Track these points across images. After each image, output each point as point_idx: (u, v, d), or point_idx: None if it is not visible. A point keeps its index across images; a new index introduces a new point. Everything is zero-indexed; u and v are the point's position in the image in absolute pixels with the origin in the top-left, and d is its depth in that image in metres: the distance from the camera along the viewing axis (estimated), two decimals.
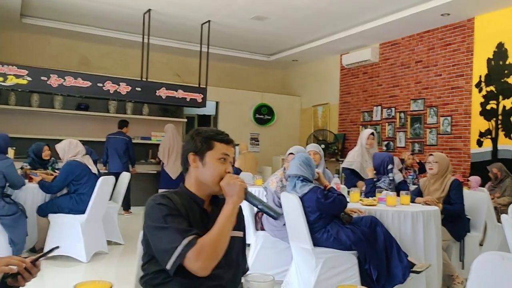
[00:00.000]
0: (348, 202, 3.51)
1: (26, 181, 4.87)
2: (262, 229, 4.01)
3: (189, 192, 1.63)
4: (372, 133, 5.05)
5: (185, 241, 1.41)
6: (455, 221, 3.96)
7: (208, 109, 9.33)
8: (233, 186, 1.54)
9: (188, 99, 7.61)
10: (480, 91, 6.55)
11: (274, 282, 1.14)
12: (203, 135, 1.64)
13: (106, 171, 7.24)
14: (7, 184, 4.38)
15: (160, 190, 7.55)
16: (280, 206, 3.74)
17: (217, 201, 1.67)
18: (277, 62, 10.19)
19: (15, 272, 1.44)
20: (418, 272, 3.36)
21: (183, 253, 1.40)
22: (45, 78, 6.48)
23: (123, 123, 7.66)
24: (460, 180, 4.22)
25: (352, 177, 4.90)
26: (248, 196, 1.58)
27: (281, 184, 4.01)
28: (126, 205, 7.49)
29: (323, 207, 3.28)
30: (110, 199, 5.21)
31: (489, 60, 6.45)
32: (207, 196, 1.64)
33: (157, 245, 1.47)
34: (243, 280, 1.13)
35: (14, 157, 6.92)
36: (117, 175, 5.58)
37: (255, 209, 4.22)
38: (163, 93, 7.36)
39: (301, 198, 3.32)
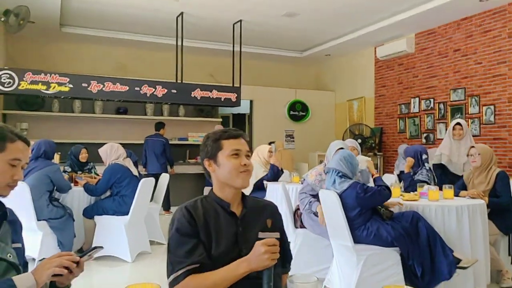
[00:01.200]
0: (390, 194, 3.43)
1: (72, 184, 5.08)
2: (302, 226, 4.00)
3: (215, 197, 1.66)
4: (459, 123, 4.69)
5: (171, 277, 1.51)
6: (502, 214, 3.82)
7: (243, 108, 9.38)
8: (262, 256, 1.41)
9: (222, 99, 7.67)
10: None
11: (318, 282, 1.14)
12: (211, 139, 1.68)
13: (146, 173, 7.44)
14: (55, 188, 4.56)
15: (206, 188, 7.68)
16: (315, 197, 3.73)
17: (246, 202, 1.69)
18: (310, 57, 10.11)
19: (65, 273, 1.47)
20: (464, 268, 3.26)
21: (173, 284, 1.51)
22: (86, 85, 6.70)
23: (160, 125, 7.86)
24: (506, 171, 4.07)
25: (441, 175, 4.66)
26: (267, 271, 1.42)
27: (320, 178, 4.00)
28: (167, 205, 7.69)
29: (363, 202, 3.23)
30: (151, 200, 5.34)
31: None
32: (232, 197, 1.65)
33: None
34: (287, 281, 1.13)
35: (60, 162, 7.23)
36: (155, 176, 5.74)
37: (294, 207, 4.22)
38: (198, 94, 7.45)
39: (341, 195, 3.29)
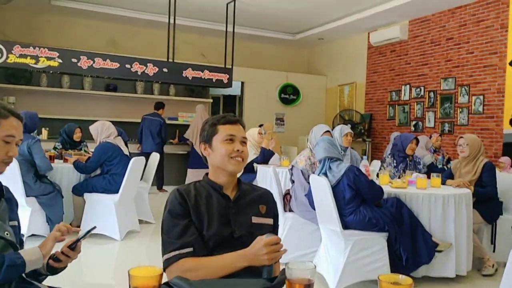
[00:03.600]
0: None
1: (61, 161, 5.04)
2: (291, 210, 4.05)
3: (209, 181, 1.68)
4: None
5: (164, 257, 1.53)
6: (487, 203, 3.91)
7: (234, 90, 9.33)
8: (262, 256, 1.37)
9: (214, 80, 7.62)
10: None
11: (315, 269, 1.17)
12: (209, 123, 1.70)
13: (139, 152, 7.44)
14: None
15: (190, 170, 7.73)
16: (308, 183, 3.79)
17: (241, 187, 1.71)
18: (302, 41, 10.05)
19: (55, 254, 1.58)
20: (440, 251, 3.39)
21: (164, 265, 1.52)
22: (75, 60, 6.59)
23: (160, 105, 7.90)
24: (491, 161, 4.15)
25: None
26: (268, 267, 1.38)
27: (310, 162, 4.04)
28: (160, 184, 7.73)
29: (360, 184, 3.28)
30: (141, 179, 5.34)
31: None
32: (227, 182, 1.67)
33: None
34: (285, 267, 1.16)
35: (48, 137, 7.16)
36: (149, 155, 5.78)
37: (284, 191, 4.26)
38: (189, 73, 7.38)
39: (340, 179, 3.32)
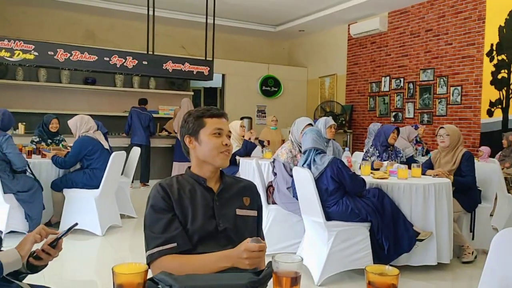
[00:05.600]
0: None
1: (39, 157, 4.93)
2: (274, 203, 4.06)
3: (192, 174, 1.66)
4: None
5: (147, 253, 1.50)
6: (466, 192, 3.98)
7: (214, 82, 9.26)
8: (244, 261, 1.36)
9: (194, 72, 7.54)
10: (491, 60, 6.46)
11: (302, 262, 1.16)
12: (194, 115, 1.66)
13: (128, 144, 7.35)
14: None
15: (176, 163, 7.67)
16: (291, 176, 3.79)
17: (225, 179, 1.69)
18: (283, 33, 10.04)
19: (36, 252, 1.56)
20: (421, 240, 3.45)
21: (148, 260, 1.49)
22: (52, 53, 6.42)
23: (145, 101, 7.93)
24: (470, 151, 4.22)
25: None
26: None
27: (291, 155, 4.04)
28: (145, 178, 7.73)
29: (343, 177, 3.30)
30: (122, 174, 5.27)
31: (501, 28, 6.33)
32: (210, 175, 1.65)
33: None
34: (272, 261, 1.15)
35: (25, 132, 7.00)
36: (140, 147, 5.94)
37: (267, 183, 4.26)
38: (169, 66, 7.28)
39: (323, 172, 3.33)
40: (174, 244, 1.48)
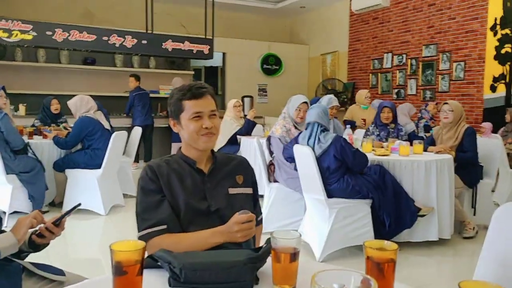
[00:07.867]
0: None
1: (40, 137, 4.93)
2: (275, 181, 4.06)
3: (182, 155, 1.63)
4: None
5: (138, 235, 1.49)
6: (468, 168, 3.98)
7: (215, 61, 9.18)
8: (235, 234, 1.38)
9: (195, 51, 7.46)
10: (495, 34, 6.36)
11: (300, 238, 1.16)
12: (174, 98, 1.61)
13: (130, 125, 7.28)
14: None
15: (174, 144, 7.66)
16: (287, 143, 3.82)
17: (216, 158, 1.65)
18: (284, 9, 9.88)
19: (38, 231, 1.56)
20: (423, 216, 3.47)
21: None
22: (50, 33, 6.35)
23: (138, 78, 7.74)
24: (472, 127, 4.19)
25: None
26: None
27: (285, 129, 4.04)
28: (148, 157, 7.75)
29: (346, 154, 3.29)
30: (123, 154, 5.28)
31: (505, 1, 6.21)
32: (200, 156, 1.61)
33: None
34: (270, 236, 1.15)
35: (26, 113, 6.99)
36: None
37: (268, 161, 4.26)
38: (169, 45, 7.21)
39: (326, 149, 3.32)
40: (164, 226, 1.47)
